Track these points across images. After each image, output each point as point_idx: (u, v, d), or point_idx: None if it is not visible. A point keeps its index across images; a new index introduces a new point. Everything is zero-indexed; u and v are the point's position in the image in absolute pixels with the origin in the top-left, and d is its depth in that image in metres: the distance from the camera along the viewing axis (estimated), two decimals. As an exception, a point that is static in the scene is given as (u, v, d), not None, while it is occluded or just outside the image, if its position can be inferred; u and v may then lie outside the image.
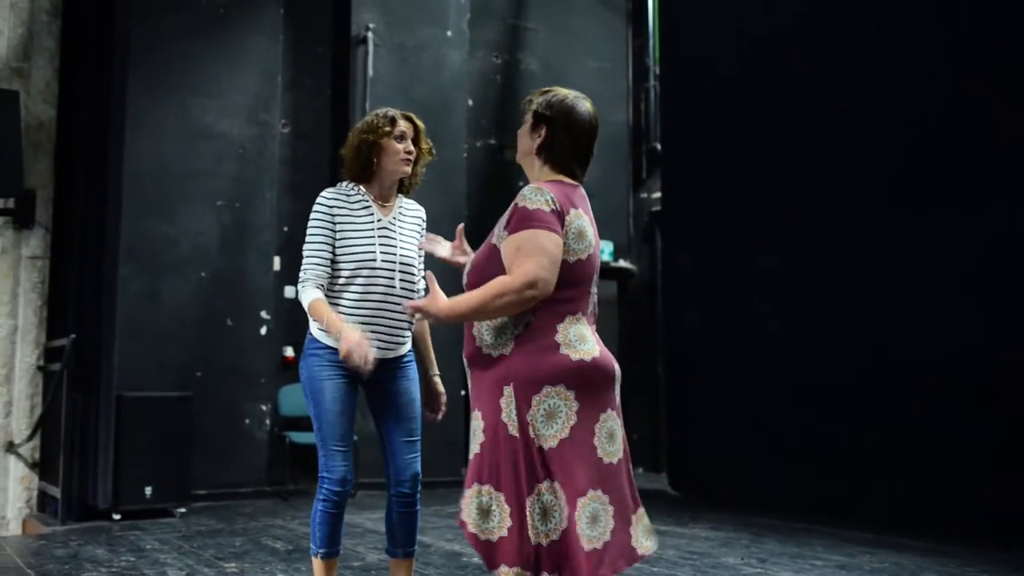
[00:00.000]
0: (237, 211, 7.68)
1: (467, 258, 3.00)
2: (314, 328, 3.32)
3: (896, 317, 6.11)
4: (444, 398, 3.52)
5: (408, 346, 3.48)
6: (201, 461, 7.06)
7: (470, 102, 9.15)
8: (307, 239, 3.34)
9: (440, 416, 3.51)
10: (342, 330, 3.11)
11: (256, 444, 7.65)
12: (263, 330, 7.73)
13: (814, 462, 6.58)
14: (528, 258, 2.61)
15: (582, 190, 2.84)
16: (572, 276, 2.71)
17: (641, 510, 2.76)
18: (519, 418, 2.66)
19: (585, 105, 2.82)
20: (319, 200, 3.37)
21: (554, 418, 2.63)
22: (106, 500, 6.49)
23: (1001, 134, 5.63)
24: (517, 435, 2.66)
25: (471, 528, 2.69)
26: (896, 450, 6.06)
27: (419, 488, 3.40)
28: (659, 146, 9.52)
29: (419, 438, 3.44)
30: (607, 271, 9.84)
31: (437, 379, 3.53)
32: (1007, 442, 5.48)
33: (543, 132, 2.80)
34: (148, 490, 6.48)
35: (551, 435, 2.63)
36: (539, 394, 2.63)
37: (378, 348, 3.29)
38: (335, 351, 3.22)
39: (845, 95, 6.60)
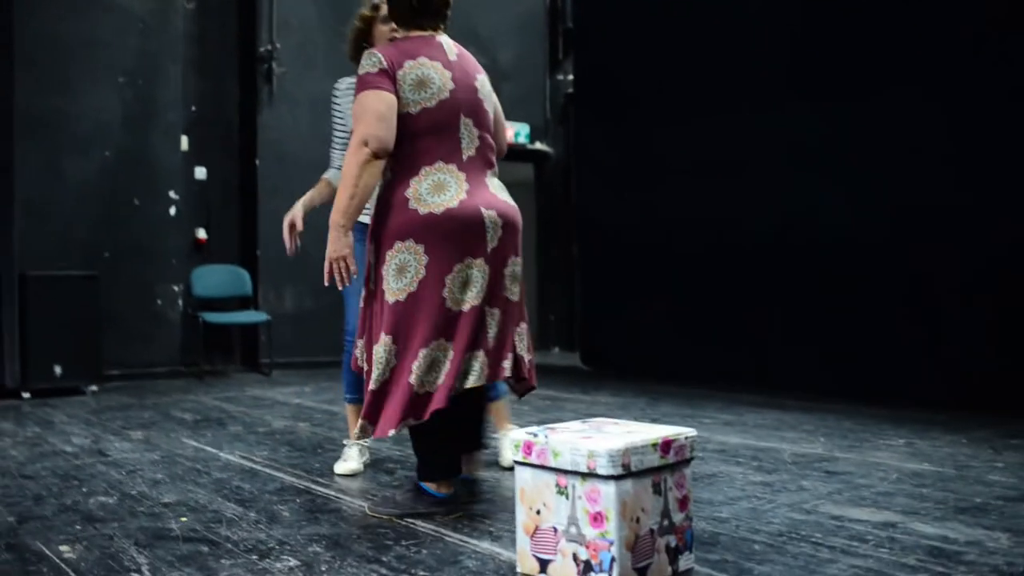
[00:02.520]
0: (140, 88, 7.49)
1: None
2: None
3: (802, 196, 6.27)
4: None
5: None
6: (113, 341, 7.06)
7: (382, -22, 8.92)
8: (333, 127, 3.66)
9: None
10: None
11: (169, 325, 7.66)
12: (172, 210, 7.64)
13: (717, 336, 6.83)
14: (359, 121, 2.70)
15: (439, 39, 2.90)
16: (419, 126, 2.74)
17: (480, 352, 2.73)
18: (376, 274, 2.78)
19: None
20: (334, 89, 3.68)
21: (404, 272, 2.70)
22: (14, 380, 6.45)
23: (908, 14, 5.73)
24: (375, 290, 2.79)
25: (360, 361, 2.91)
26: (799, 323, 6.33)
27: None
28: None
29: None
30: (524, 153, 9.84)
31: None
32: (896, 309, 5.76)
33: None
34: (57, 369, 6.47)
35: (399, 289, 2.70)
36: (391, 250, 2.71)
37: None
38: (357, 222, 3.40)
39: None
